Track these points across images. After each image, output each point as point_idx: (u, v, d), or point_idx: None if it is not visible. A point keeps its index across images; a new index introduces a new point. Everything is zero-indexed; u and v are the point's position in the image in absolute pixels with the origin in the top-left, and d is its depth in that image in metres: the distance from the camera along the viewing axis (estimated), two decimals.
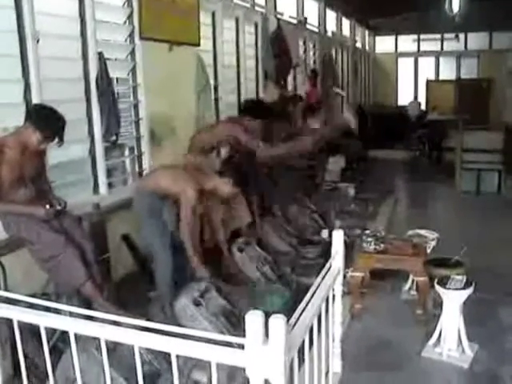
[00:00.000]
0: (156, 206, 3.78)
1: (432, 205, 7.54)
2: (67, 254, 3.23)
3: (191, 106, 5.56)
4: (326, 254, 2.91)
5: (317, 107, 8.15)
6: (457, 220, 6.50)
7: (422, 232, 4.18)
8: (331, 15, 11.73)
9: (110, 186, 4.51)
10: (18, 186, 3.19)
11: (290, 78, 8.63)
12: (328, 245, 2.91)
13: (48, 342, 2.01)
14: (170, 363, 1.76)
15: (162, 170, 4.03)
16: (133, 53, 4.70)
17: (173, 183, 3.76)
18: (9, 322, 2.15)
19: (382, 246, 3.82)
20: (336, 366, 2.81)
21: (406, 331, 3.57)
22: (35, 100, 3.62)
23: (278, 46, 7.65)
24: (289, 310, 1.92)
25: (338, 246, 2.68)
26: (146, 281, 4.02)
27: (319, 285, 2.25)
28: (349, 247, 3.73)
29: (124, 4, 4.64)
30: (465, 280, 3.22)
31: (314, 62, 10.41)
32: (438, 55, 16.42)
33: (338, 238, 2.71)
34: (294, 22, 9.08)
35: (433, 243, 4.10)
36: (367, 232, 4.05)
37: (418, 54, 16.66)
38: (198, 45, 5.57)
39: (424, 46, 16.54)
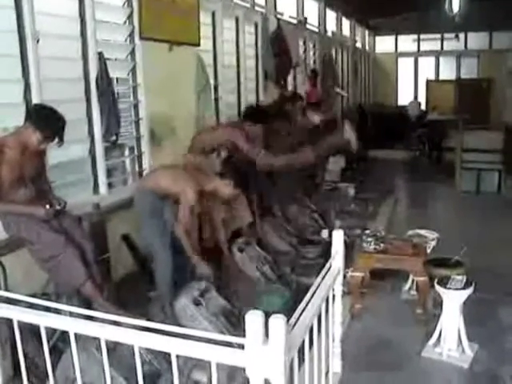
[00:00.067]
0: (157, 206, 3.78)
1: (432, 205, 7.54)
2: (67, 253, 3.22)
3: (191, 106, 5.56)
4: (326, 253, 2.91)
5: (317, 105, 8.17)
6: (457, 220, 6.50)
7: (422, 232, 4.18)
8: (331, 15, 11.73)
9: (109, 185, 4.51)
10: (18, 185, 3.19)
11: (290, 78, 8.63)
12: (328, 245, 2.91)
13: (48, 341, 2.02)
14: (170, 363, 1.77)
15: (162, 170, 4.03)
16: (133, 53, 4.70)
17: (173, 183, 3.76)
18: (9, 321, 2.16)
19: (382, 245, 3.82)
20: (336, 365, 2.81)
21: (406, 331, 3.58)
22: (35, 100, 3.61)
23: (277, 46, 7.65)
24: (289, 310, 1.92)
25: (338, 246, 2.68)
26: (146, 281, 4.02)
27: (319, 285, 2.25)
28: (349, 247, 3.73)
29: (124, 4, 4.64)
30: (465, 280, 3.22)
31: (314, 61, 10.42)
32: (437, 55, 16.43)
33: (338, 237, 2.71)
34: (294, 21, 9.08)
35: (433, 243, 4.10)
36: (367, 232, 4.05)
37: (417, 54, 16.67)
38: (198, 45, 5.57)
39: (424, 46, 16.55)
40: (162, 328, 1.71)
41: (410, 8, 12.35)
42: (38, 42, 3.63)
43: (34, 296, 2.24)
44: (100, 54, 4.16)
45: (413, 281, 3.97)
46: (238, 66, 6.96)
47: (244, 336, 1.58)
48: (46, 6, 3.74)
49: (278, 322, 1.57)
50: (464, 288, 3.15)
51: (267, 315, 1.58)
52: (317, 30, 10.54)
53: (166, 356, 2.15)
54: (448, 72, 16.33)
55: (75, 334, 1.90)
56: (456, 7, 9.67)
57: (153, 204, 3.77)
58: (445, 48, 16.30)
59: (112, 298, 3.49)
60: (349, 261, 3.41)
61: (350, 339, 3.34)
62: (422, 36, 16.35)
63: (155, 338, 1.72)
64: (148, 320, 1.91)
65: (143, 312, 3.45)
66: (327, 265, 2.55)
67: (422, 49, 16.61)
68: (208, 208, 4.27)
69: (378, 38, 16.97)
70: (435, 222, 5.47)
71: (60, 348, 2.86)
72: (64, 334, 2.53)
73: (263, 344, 1.57)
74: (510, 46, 14.52)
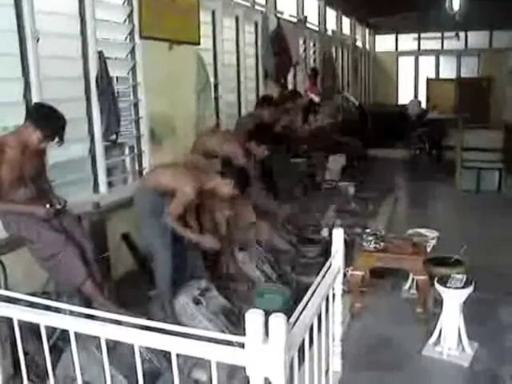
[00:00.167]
0: (157, 205, 3.78)
1: (432, 203, 7.53)
2: (67, 252, 3.23)
3: (191, 105, 5.56)
4: (326, 252, 2.91)
5: (317, 105, 8.19)
6: (457, 219, 6.49)
7: (422, 231, 4.18)
8: (331, 14, 11.73)
9: (109, 184, 4.51)
10: (18, 185, 3.19)
11: (290, 77, 8.63)
12: (328, 243, 2.91)
13: (48, 340, 2.02)
14: (170, 362, 1.77)
15: (163, 169, 4.03)
16: (133, 52, 4.70)
17: (173, 180, 3.75)
18: (9, 320, 2.16)
19: (382, 244, 3.82)
20: (336, 364, 2.81)
21: (406, 330, 3.57)
22: (35, 99, 3.62)
23: (278, 45, 7.65)
24: (289, 309, 1.93)
25: (338, 245, 2.68)
26: (146, 280, 4.02)
27: (319, 284, 2.25)
28: (349, 246, 3.74)
29: (124, 3, 4.64)
30: (465, 279, 3.22)
31: (314, 60, 10.42)
32: (438, 54, 16.43)
33: (338, 236, 2.71)
34: (294, 20, 9.08)
35: (433, 242, 4.10)
36: (367, 231, 4.05)
37: (418, 53, 16.67)
38: (198, 43, 5.57)
39: (424, 45, 16.55)
40: (162, 327, 1.71)
41: (410, 7, 12.33)
42: (37, 40, 3.63)
43: (34, 295, 2.24)
44: (100, 53, 4.17)
45: (413, 280, 3.96)
46: (238, 64, 6.96)
47: (244, 335, 1.58)
48: (45, 4, 3.74)
49: (278, 320, 1.57)
50: (464, 287, 3.15)
51: (267, 314, 1.58)
52: (317, 28, 10.53)
53: (166, 355, 2.15)
54: (448, 71, 16.34)
55: (75, 333, 1.91)
56: (456, 6, 9.67)
57: (153, 203, 3.77)
58: (445, 47, 16.30)
59: (112, 297, 3.50)
60: (349, 260, 3.41)
61: (350, 338, 3.34)
62: (422, 35, 16.36)
63: (155, 336, 1.72)
64: (148, 319, 1.91)
65: (143, 311, 3.45)
66: (327, 264, 2.55)
67: (422, 48, 16.62)
68: (209, 206, 4.26)
69: (378, 37, 16.97)
70: (435, 221, 5.47)
71: (60, 347, 2.86)
72: (64, 333, 2.53)
73: (263, 343, 1.57)
74: (511, 44, 14.52)
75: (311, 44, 10.19)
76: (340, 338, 2.81)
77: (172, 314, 3.56)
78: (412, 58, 16.75)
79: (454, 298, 3.17)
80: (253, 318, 1.56)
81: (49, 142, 3.23)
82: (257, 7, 7.43)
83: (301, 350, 1.87)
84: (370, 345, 3.41)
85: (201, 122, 5.63)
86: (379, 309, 3.89)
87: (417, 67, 16.74)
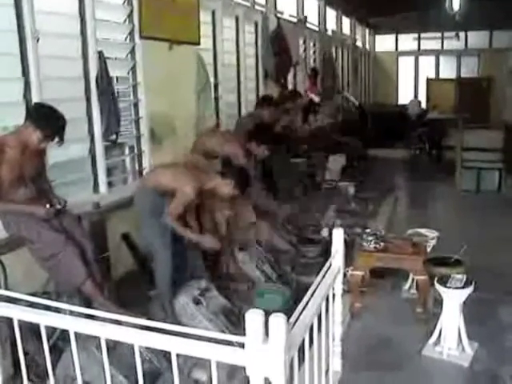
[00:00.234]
0: (157, 205, 3.78)
1: (432, 203, 7.53)
2: (67, 252, 3.23)
3: (191, 105, 5.56)
4: (326, 252, 2.91)
5: (317, 105, 8.19)
6: (457, 219, 6.49)
7: (422, 231, 4.18)
8: (331, 14, 11.73)
9: (109, 184, 4.51)
10: (18, 185, 3.19)
11: (290, 77, 8.63)
12: (328, 243, 2.91)
13: (48, 340, 2.01)
14: (170, 362, 1.77)
15: (163, 169, 4.03)
16: (133, 52, 4.70)
17: (173, 179, 3.75)
18: (9, 320, 2.16)
19: (382, 244, 3.82)
20: (336, 364, 2.81)
21: (407, 330, 3.57)
22: (35, 99, 3.61)
23: (278, 45, 7.65)
24: (289, 309, 1.93)
25: (338, 245, 2.68)
26: (146, 280, 4.02)
27: (319, 284, 2.25)
28: (349, 246, 3.74)
29: (124, 3, 4.64)
30: (465, 279, 3.22)
31: (314, 60, 10.42)
32: (438, 54, 16.43)
33: (338, 236, 2.71)
34: (294, 20, 9.08)
35: (433, 242, 4.10)
36: (367, 231, 4.05)
37: (418, 53, 16.67)
38: (198, 43, 5.57)
39: (424, 45, 16.55)
40: (162, 327, 1.71)
41: (410, 7, 12.34)
42: (37, 40, 3.63)
43: (34, 295, 2.24)
44: (100, 53, 4.17)
45: (413, 280, 3.96)
46: (238, 64, 6.96)
47: (244, 335, 1.58)
48: (45, 4, 3.74)
49: (278, 320, 1.57)
50: (464, 287, 3.15)
51: (267, 314, 1.58)
52: (317, 28, 10.53)
53: (167, 355, 2.15)
54: (448, 71, 16.34)
55: (75, 333, 1.90)
56: (456, 6, 9.67)
57: (153, 203, 3.77)
58: (445, 47, 16.30)
59: (112, 297, 3.50)
60: (349, 260, 3.41)
61: (350, 338, 3.34)
62: (422, 35, 16.36)
63: (155, 336, 1.72)
64: (148, 319, 1.91)
65: (143, 311, 3.45)
66: (327, 264, 2.55)
67: (422, 48, 16.61)
68: (209, 206, 4.26)
69: (378, 37, 16.97)
70: (435, 221, 5.47)
71: (60, 347, 2.86)
72: (64, 333, 2.53)
73: (263, 343, 1.57)
74: (511, 44, 14.52)
75: (311, 44, 10.19)
76: (340, 337, 2.81)
77: (172, 313, 3.56)
78: (412, 58, 16.75)
79: (454, 298, 3.17)
80: (253, 317, 1.56)
81: (49, 142, 3.23)
82: (257, 7, 7.43)
83: (301, 349, 1.86)
84: (370, 345, 3.41)
85: (201, 122, 5.63)
86: (379, 309, 3.89)
87: (417, 67, 16.74)
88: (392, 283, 4.22)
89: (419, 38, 16.51)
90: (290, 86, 8.68)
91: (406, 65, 16.85)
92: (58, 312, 2.05)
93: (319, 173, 7.81)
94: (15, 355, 2.39)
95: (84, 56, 4.16)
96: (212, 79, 6.02)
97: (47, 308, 1.98)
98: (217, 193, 3.91)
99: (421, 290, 3.70)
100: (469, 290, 3.14)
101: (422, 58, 16.72)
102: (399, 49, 17.00)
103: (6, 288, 3.06)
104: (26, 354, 2.12)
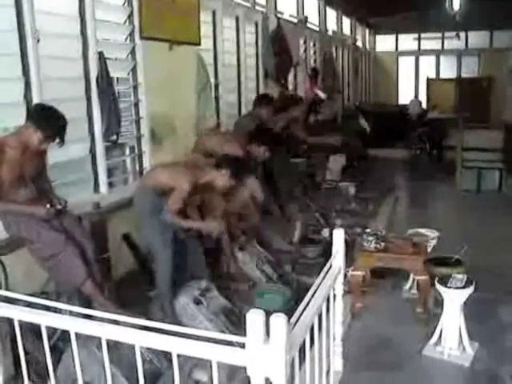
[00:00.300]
0: (157, 204, 3.78)
1: (432, 203, 7.53)
2: (67, 252, 3.23)
3: (191, 105, 5.56)
4: (327, 253, 2.91)
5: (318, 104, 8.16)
6: (457, 219, 6.49)
7: (423, 231, 4.18)
8: (331, 14, 11.73)
9: (110, 185, 4.51)
10: (19, 185, 3.19)
11: (290, 77, 8.62)
12: (329, 244, 2.91)
13: (48, 340, 2.01)
14: (170, 362, 1.77)
15: (161, 168, 4.03)
16: (133, 52, 4.70)
17: (170, 178, 3.75)
18: (9, 320, 2.16)
19: (383, 244, 3.82)
20: (337, 364, 2.81)
21: (407, 330, 3.57)
22: (36, 99, 3.61)
23: (278, 45, 7.65)
24: (289, 309, 1.92)
25: (338, 245, 2.68)
26: (147, 280, 4.02)
27: (320, 284, 2.25)
28: (349, 246, 3.74)
29: (124, 3, 4.64)
30: (465, 279, 3.22)
31: (315, 60, 10.42)
32: (438, 54, 16.42)
33: (339, 236, 2.71)
34: (295, 20, 9.08)
35: (433, 242, 4.10)
36: (368, 231, 4.05)
37: (418, 53, 16.67)
38: (199, 44, 5.57)
39: (425, 45, 16.54)
40: (163, 327, 1.71)
41: (410, 7, 12.34)
42: (38, 41, 3.63)
43: (34, 295, 2.24)
44: (100, 54, 4.16)
45: (413, 280, 3.96)
46: (239, 65, 6.96)
47: (245, 335, 1.58)
48: (46, 5, 3.74)
49: (278, 320, 1.57)
50: (464, 287, 3.15)
51: (268, 314, 1.58)
52: (317, 28, 10.53)
53: (167, 355, 2.15)
54: (449, 71, 16.33)
55: (75, 333, 1.90)
56: (456, 6, 9.67)
57: (153, 203, 3.77)
58: (445, 47, 16.29)
59: (112, 297, 3.50)
60: (349, 260, 3.41)
61: (351, 338, 3.34)
62: (422, 35, 16.34)
63: (156, 337, 1.72)
64: (148, 319, 1.91)
65: (143, 311, 3.45)
66: (328, 264, 2.55)
67: (422, 47, 16.60)
68: (208, 201, 4.26)
69: (378, 37, 16.97)
70: (436, 221, 5.47)
71: (60, 347, 2.86)
72: (64, 333, 2.53)
73: (264, 343, 1.57)
74: (511, 44, 14.51)
75: (311, 44, 10.18)
76: (341, 337, 2.81)
77: (172, 314, 3.56)
78: (412, 58, 16.74)
79: (454, 298, 3.17)
80: (253, 318, 1.56)
81: (49, 142, 3.23)
82: (257, 7, 7.42)
83: (302, 350, 1.87)
84: (370, 345, 3.41)
85: (201, 122, 5.63)
86: (380, 309, 3.89)
87: (417, 67, 16.73)
88: (392, 283, 4.22)
89: (419, 38, 16.50)
90: (291, 86, 8.67)
91: (406, 65, 16.84)
92: (58, 312, 2.05)
93: (319, 173, 7.81)
94: (16, 355, 2.39)
95: (84, 56, 4.16)
96: (212, 79, 6.02)
97: (47, 308, 1.98)
98: (214, 186, 3.91)
99: (421, 290, 3.70)
100: (469, 290, 3.14)
101: (422, 58, 16.71)
102: (399, 49, 16.99)
103: (7, 288, 3.06)
104: (26, 353, 2.12)
